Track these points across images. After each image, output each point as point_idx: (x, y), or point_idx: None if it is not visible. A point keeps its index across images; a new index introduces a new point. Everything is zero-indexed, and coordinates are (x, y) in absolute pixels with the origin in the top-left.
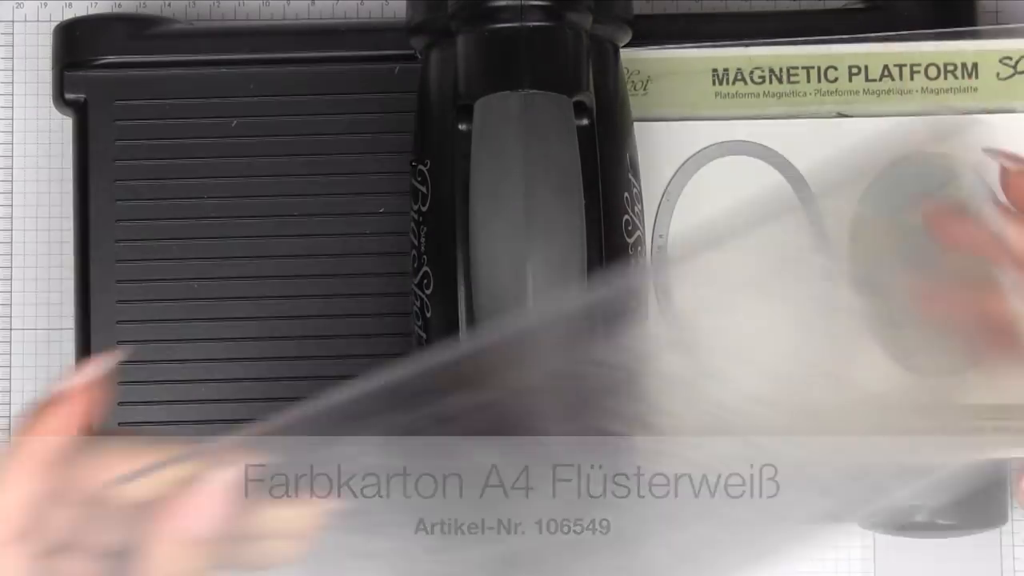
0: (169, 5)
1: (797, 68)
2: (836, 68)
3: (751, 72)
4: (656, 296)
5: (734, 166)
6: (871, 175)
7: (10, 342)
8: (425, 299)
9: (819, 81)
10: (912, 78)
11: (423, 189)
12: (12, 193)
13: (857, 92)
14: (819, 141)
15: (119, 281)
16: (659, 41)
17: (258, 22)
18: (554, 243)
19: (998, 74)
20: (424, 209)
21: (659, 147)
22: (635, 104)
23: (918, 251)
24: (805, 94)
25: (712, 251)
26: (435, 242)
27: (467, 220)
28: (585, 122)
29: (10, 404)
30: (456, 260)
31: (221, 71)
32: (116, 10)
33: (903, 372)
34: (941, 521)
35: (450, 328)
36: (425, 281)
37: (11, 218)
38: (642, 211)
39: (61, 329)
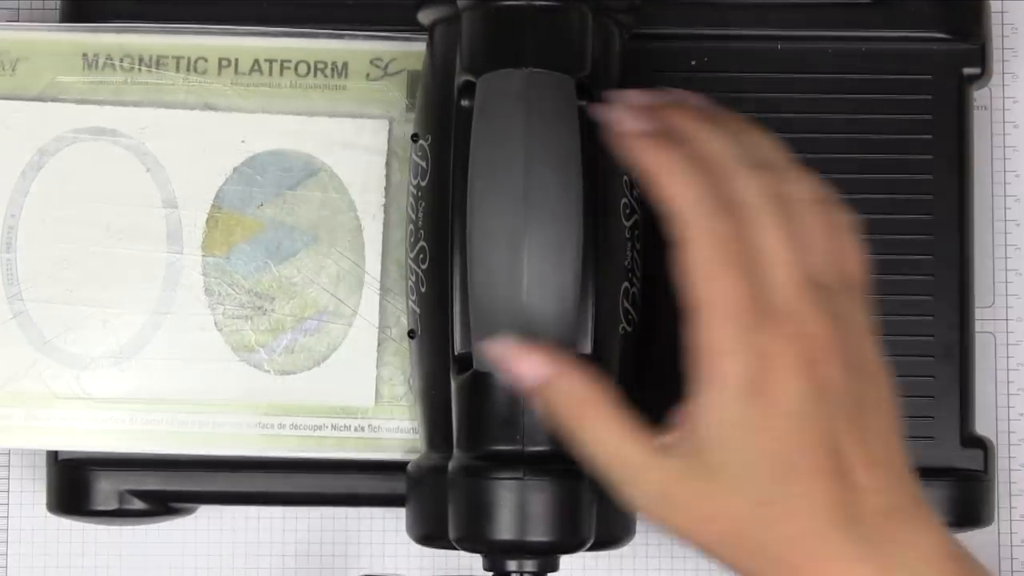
0: None
1: (167, 57)
2: (206, 60)
3: (121, 59)
4: None
5: (95, 152)
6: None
7: None
8: (421, 274)
9: (188, 72)
10: (282, 74)
11: (423, 164)
12: None
13: (226, 85)
14: (182, 132)
15: None
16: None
17: None
18: (551, 222)
19: (368, 75)
20: (423, 184)
21: (20, 128)
22: (0, 84)
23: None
24: (173, 84)
25: None
26: (433, 217)
27: (465, 196)
28: (587, 103)
29: None
30: (453, 236)
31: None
32: None
33: None
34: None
35: (444, 304)
36: (422, 256)
37: None
38: (641, 195)
39: None
